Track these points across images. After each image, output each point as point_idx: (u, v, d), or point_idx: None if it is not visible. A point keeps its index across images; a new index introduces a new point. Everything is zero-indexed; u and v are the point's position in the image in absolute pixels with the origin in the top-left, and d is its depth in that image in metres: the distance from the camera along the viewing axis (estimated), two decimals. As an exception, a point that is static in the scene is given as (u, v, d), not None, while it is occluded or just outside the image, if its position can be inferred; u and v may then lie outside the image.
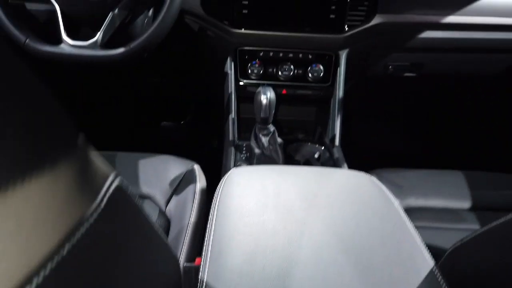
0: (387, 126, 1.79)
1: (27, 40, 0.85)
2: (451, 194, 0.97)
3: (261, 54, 1.14)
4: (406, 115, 1.77)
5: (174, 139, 1.77)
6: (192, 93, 1.71)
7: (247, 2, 1.06)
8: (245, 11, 1.07)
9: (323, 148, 1.13)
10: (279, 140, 1.04)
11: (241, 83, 1.17)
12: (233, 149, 1.10)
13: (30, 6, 0.96)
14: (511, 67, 1.26)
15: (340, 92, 1.16)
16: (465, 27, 1.14)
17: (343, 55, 1.14)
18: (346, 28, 1.09)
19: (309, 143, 1.15)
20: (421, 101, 1.64)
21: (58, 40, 0.86)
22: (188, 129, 1.76)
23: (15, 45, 0.86)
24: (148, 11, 0.96)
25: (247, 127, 1.18)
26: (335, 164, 1.06)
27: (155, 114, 1.75)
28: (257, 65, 1.14)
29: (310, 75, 1.15)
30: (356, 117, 1.68)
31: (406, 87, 1.43)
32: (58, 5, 0.85)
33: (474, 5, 1.12)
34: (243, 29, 1.09)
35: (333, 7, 1.07)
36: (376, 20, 1.09)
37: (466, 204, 0.95)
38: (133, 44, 0.85)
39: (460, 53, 1.22)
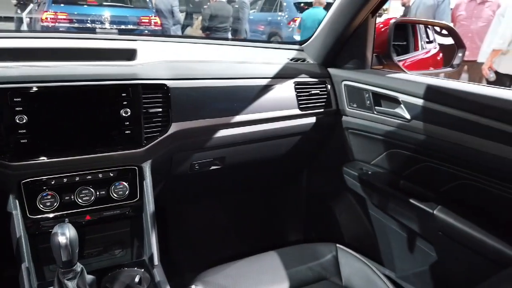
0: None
1: None
2: (271, 279, 1.04)
3: (52, 182, 1.00)
4: (221, 208, 1.88)
5: None
6: None
7: (25, 131, 0.94)
8: (24, 141, 0.94)
9: (142, 270, 1.05)
10: (89, 278, 0.91)
11: (32, 221, 0.99)
12: None
13: None
14: (294, 148, 1.49)
15: (150, 206, 1.11)
16: (252, 122, 1.29)
17: (147, 167, 1.12)
18: (145, 142, 1.08)
19: (126, 268, 1.05)
20: (229, 190, 1.77)
21: None
22: None
23: None
24: None
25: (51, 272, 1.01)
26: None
27: None
28: (49, 196, 1.00)
29: (114, 194, 1.07)
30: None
31: (212, 179, 1.50)
32: None
33: (255, 104, 1.28)
34: (24, 160, 0.95)
35: (127, 123, 1.05)
36: (173, 129, 1.12)
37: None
38: None
39: (253, 143, 1.36)
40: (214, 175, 1.42)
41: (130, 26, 6.10)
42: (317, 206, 1.76)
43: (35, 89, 0.95)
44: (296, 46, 1.58)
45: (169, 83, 1.11)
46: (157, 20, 6.41)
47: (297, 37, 6.94)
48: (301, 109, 1.38)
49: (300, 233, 1.86)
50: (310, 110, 1.40)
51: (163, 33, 6.31)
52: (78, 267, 0.87)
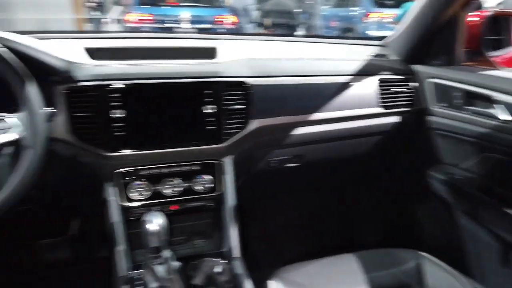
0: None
1: None
2: (349, 281, 1.01)
3: (144, 173, 1.08)
4: (298, 206, 1.88)
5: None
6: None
7: (120, 124, 1.02)
8: (121, 134, 1.03)
9: (225, 261, 1.09)
10: (176, 264, 0.96)
11: (126, 208, 1.08)
12: (126, 287, 0.98)
13: None
14: (374, 147, 1.44)
15: (231, 200, 1.15)
16: (330, 120, 1.27)
17: (228, 162, 1.16)
18: (225, 138, 1.12)
19: (208, 258, 1.09)
20: (308, 190, 1.76)
21: None
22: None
23: None
24: (5, 158, 0.85)
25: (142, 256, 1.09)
26: (235, 280, 1.02)
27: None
28: (141, 186, 1.08)
29: (198, 187, 1.12)
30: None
31: (289, 177, 1.50)
32: None
33: (334, 102, 1.26)
34: (120, 151, 1.04)
35: (208, 119, 1.10)
36: (252, 126, 1.15)
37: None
38: None
39: (332, 142, 1.34)
40: (291, 173, 1.43)
41: (207, 25, 6.34)
42: (396, 210, 1.69)
43: (129, 85, 1.03)
44: (378, 42, 1.52)
45: (249, 80, 1.14)
46: (233, 18, 6.58)
47: (373, 33, 6.68)
48: (383, 107, 1.33)
49: (377, 236, 1.80)
50: (393, 108, 1.34)
51: (239, 32, 6.46)
52: (166, 253, 0.93)
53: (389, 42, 1.47)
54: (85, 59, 1.04)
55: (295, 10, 6.58)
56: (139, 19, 6.09)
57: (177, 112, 1.08)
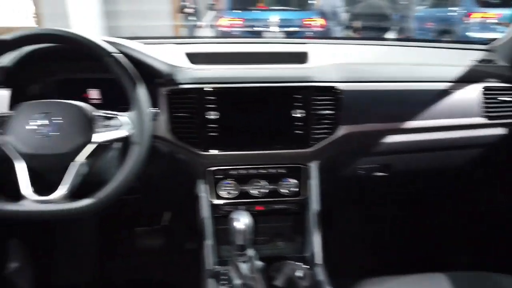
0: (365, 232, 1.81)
1: None
2: None
3: (233, 172, 1.13)
4: (381, 217, 1.80)
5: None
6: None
7: (215, 125, 1.08)
8: (214, 134, 1.08)
9: (307, 266, 1.09)
10: (258, 264, 0.99)
11: (215, 205, 1.14)
12: (212, 281, 1.03)
13: None
14: (471, 161, 1.32)
15: (315, 205, 1.15)
16: (424, 130, 1.20)
17: (314, 167, 1.16)
18: (313, 143, 1.11)
19: (290, 261, 1.10)
20: (394, 201, 1.68)
21: (17, 196, 0.81)
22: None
23: None
24: (114, 151, 0.95)
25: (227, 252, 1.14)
26: (316, 286, 1.02)
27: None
28: (230, 185, 1.13)
29: (283, 189, 1.14)
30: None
31: (375, 186, 1.45)
32: (25, 162, 0.82)
33: (430, 110, 1.19)
34: (212, 151, 1.10)
35: (297, 123, 1.10)
36: (340, 132, 1.13)
37: None
38: (101, 195, 0.82)
39: (425, 152, 1.27)
40: (378, 182, 1.38)
41: (295, 29, 6.37)
42: (492, 229, 1.53)
43: (224, 89, 1.08)
44: (484, 46, 1.39)
45: (340, 85, 1.12)
46: (321, 21, 6.52)
47: (475, 35, 6.13)
48: (487, 117, 1.21)
49: (468, 256, 1.65)
50: (498, 119, 1.22)
51: (327, 35, 6.37)
52: (250, 252, 0.96)
53: (497, 47, 1.34)
54: (186, 63, 1.11)
55: (388, 12, 6.30)
56: (231, 24, 6.34)
57: (267, 116, 1.10)
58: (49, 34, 0.87)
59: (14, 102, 1.02)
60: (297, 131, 1.11)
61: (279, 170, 1.14)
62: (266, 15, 6.40)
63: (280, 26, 6.22)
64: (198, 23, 7.77)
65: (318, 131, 1.12)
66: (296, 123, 1.11)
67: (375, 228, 1.83)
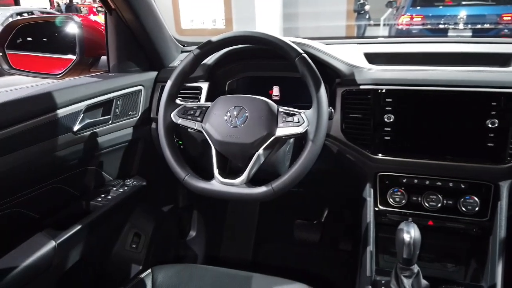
0: None
1: (186, 177, 0.96)
2: None
3: (404, 181, 1.06)
4: None
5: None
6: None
7: (390, 129, 1.03)
8: (387, 138, 1.04)
9: None
10: (424, 282, 0.91)
11: (380, 211, 1.09)
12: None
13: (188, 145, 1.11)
14: None
15: (502, 231, 0.99)
16: None
17: (505, 187, 0.99)
18: (509, 158, 0.96)
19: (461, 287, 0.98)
20: None
21: (211, 176, 0.94)
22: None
23: None
24: (287, 145, 1.01)
25: (385, 262, 1.08)
26: None
27: None
28: (399, 193, 1.06)
29: (462, 207, 1.01)
30: None
31: None
32: (216, 148, 0.95)
33: None
34: (384, 155, 1.05)
35: (491, 135, 0.96)
36: None
37: None
38: (275, 184, 0.89)
39: None
40: None
41: (489, 26, 5.52)
42: None
43: (405, 91, 1.02)
44: None
45: None
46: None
47: None
48: None
49: None
50: None
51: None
52: (415, 268, 0.89)
53: None
54: (364, 63, 1.09)
55: None
56: (412, 22, 5.91)
57: (452, 123, 1.00)
58: (249, 36, 0.97)
59: (211, 94, 1.19)
60: (490, 144, 0.97)
61: (461, 185, 1.02)
62: (453, 11, 5.74)
63: (471, 24, 5.50)
64: (373, 22, 7.54)
65: None
66: (490, 134, 0.97)
67: None
